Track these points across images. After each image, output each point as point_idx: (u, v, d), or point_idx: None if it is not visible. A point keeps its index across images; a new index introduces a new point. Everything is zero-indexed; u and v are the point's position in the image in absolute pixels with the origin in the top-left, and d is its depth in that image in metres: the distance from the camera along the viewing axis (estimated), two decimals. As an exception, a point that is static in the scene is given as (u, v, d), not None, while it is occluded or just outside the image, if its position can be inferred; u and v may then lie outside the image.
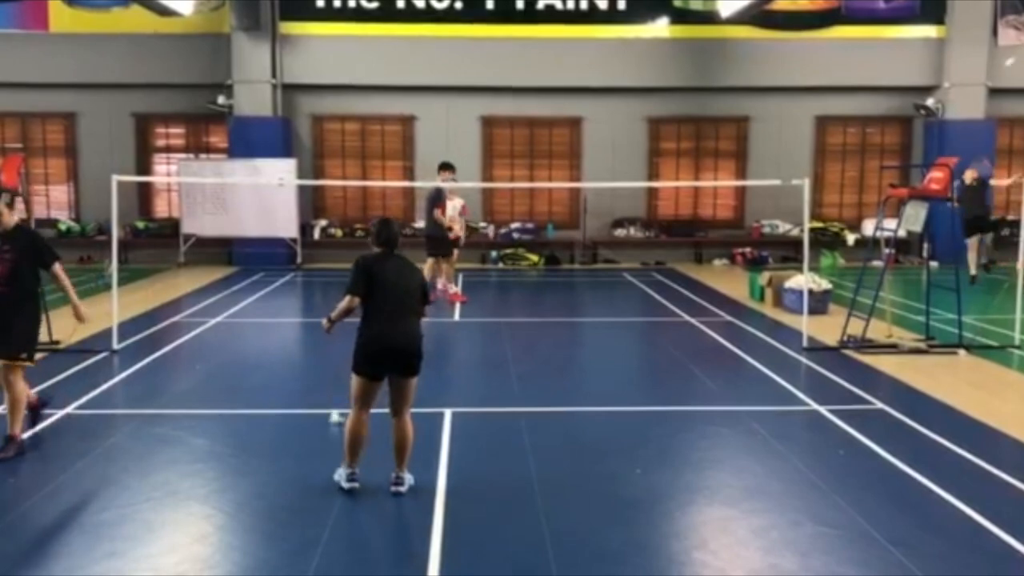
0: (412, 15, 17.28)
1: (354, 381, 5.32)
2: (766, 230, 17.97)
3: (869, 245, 11.37)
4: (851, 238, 17.67)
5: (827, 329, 10.12)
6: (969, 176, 14.35)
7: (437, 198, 12.49)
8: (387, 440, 5.36)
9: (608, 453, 6.16)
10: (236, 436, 6.57)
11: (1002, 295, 12.23)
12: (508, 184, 18.06)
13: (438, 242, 12.60)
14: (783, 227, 17.89)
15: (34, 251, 6.10)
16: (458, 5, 17.33)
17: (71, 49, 17.08)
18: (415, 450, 5.42)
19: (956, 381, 8.17)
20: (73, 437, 6.43)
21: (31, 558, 4.51)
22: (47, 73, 17.16)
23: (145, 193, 17.99)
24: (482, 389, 8.22)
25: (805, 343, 9.54)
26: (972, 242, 14.42)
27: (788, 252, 17.74)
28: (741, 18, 16.66)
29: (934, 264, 12.77)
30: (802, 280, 10.88)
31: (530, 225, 17.71)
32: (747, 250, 17.87)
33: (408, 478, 5.33)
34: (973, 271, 14.40)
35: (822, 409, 7.23)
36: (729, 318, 11.58)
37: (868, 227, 16.30)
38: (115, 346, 9.23)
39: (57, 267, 6.18)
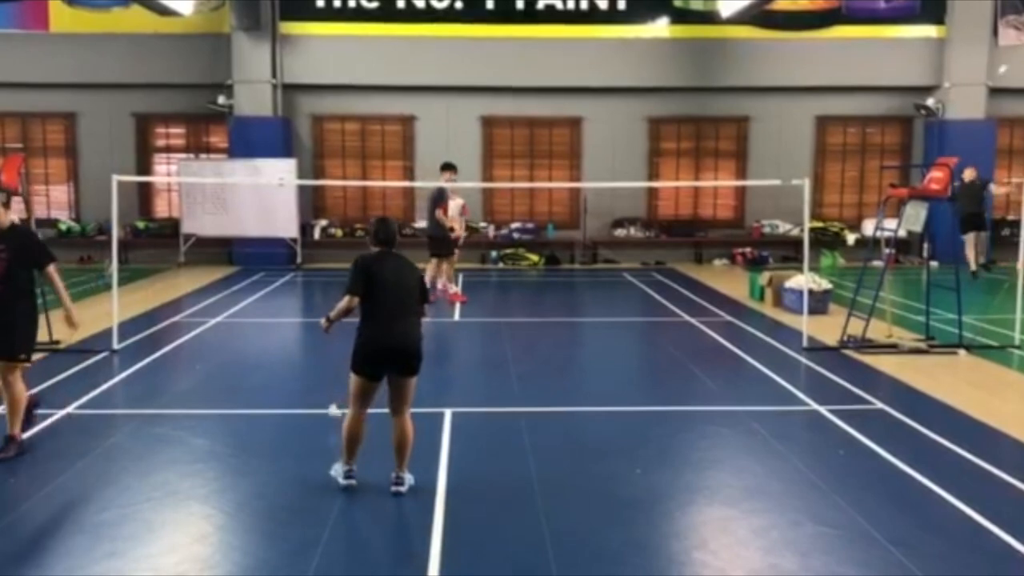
0: (412, 15, 17.28)
1: (353, 380, 5.32)
2: (766, 230, 17.97)
3: (869, 245, 11.37)
4: (851, 238, 17.67)
5: (827, 329, 10.12)
6: (968, 175, 14.37)
7: (439, 198, 12.49)
8: (387, 440, 5.37)
9: (608, 453, 6.16)
10: (236, 436, 6.57)
11: (1002, 295, 12.23)
12: (508, 184, 18.06)
13: (440, 242, 12.61)
14: (783, 227, 17.89)
15: (29, 251, 6.06)
16: (458, 5, 17.34)
17: (71, 49, 17.08)
18: (415, 450, 5.42)
19: (956, 381, 8.17)
20: (73, 437, 6.43)
21: (31, 558, 4.51)
22: (47, 73, 17.17)
23: (145, 193, 17.99)
24: (482, 389, 8.22)
25: (805, 343, 9.54)
26: (969, 238, 14.44)
27: (788, 252, 17.74)
28: (741, 18, 16.66)
29: (934, 264, 12.77)
30: (802, 280, 10.87)
31: (530, 225, 17.71)
32: (747, 250, 17.87)
33: (408, 478, 5.33)
34: (973, 267, 14.41)
35: (822, 409, 7.23)
36: (729, 318, 11.58)
37: (868, 227, 16.30)
38: (115, 346, 9.23)
39: (51, 269, 6.14)
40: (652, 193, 18.31)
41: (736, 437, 6.59)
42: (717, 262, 17.92)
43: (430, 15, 17.30)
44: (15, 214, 6.39)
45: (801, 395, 7.74)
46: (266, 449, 6.24)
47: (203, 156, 17.97)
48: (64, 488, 5.41)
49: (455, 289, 13.09)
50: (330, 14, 17.24)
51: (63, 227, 17.31)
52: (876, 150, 18.36)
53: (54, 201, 17.93)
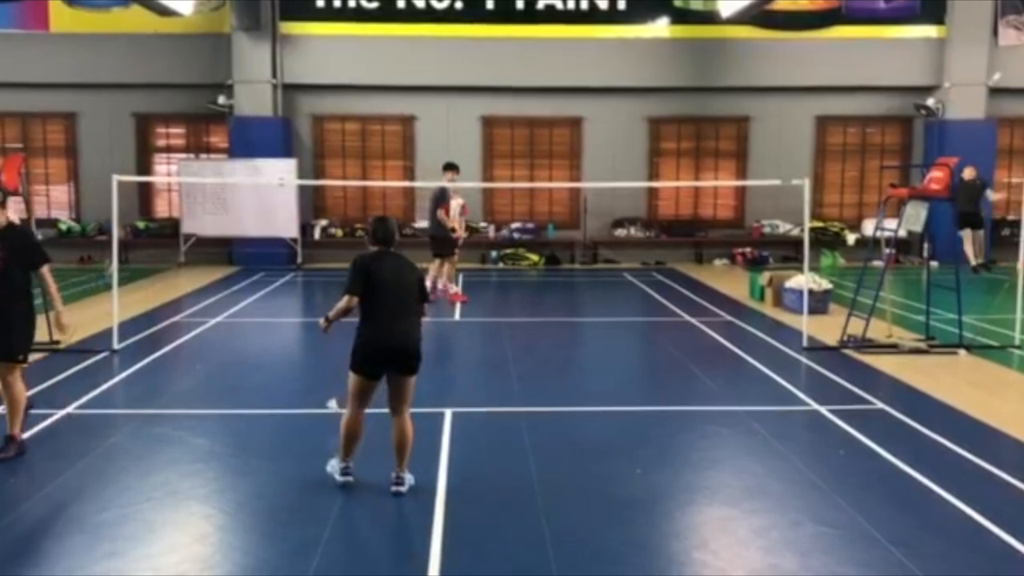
0: (412, 15, 17.28)
1: (351, 379, 5.32)
2: (766, 230, 17.97)
3: (869, 245, 11.37)
4: (851, 238, 17.67)
5: (827, 329, 10.12)
6: (968, 174, 14.37)
7: (441, 198, 12.51)
8: (387, 440, 5.36)
9: (608, 453, 6.15)
10: (236, 436, 6.57)
11: (1002, 295, 12.23)
12: (508, 184, 18.07)
13: (442, 242, 12.62)
14: (783, 227, 17.89)
15: (25, 251, 6.01)
16: (458, 5, 17.33)
17: (71, 49, 17.08)
18: (415, 450, 5.42)
19: (956, 381, 8.17)
20: (73, 437, 6.43)
21: (31, 558, 4.51)
22: (47, 73, 17.17)
23: (145, 193, 17.99)
24: (482, 389, 8.21)
25: (805, 343, 9.54)
26: (966, 234, 14.44)
27: (788, 252, 17.74)
28: (741, 18, 16.66)
29: (934, 264, 12.77)
30: (802, 280, 10.87)
31: (530, 225, 17.71)
32: (747, 250, 17.87)
33: (408, 478, 5.33)
34: (972, 262, 14.38)
35: (822, 409, 7.22)
36: (729, 318, 11.58)
37: (868, 227, 16.29)
38: (115, 346, 9.23)
39: (44, 270, 6.08)
40: (652, 193, 18.31)
41: (736, 437, 6.59)
42: (717, 262, 17.92)
43: (430, 15, 17.30)
44: (14, 214, 6.37)
45: (801, 395, 7.74)
46: (266, 449, 6.24)
47: (203, 156, 17.98)
48: (64, 488, 5.41)
49: (455, 289, 13.09)
50: (330, 14, 17.25)
51: (63, 227, 17.31)
52: (876, 150, 18.36)
53: (54, 201, 17.93)
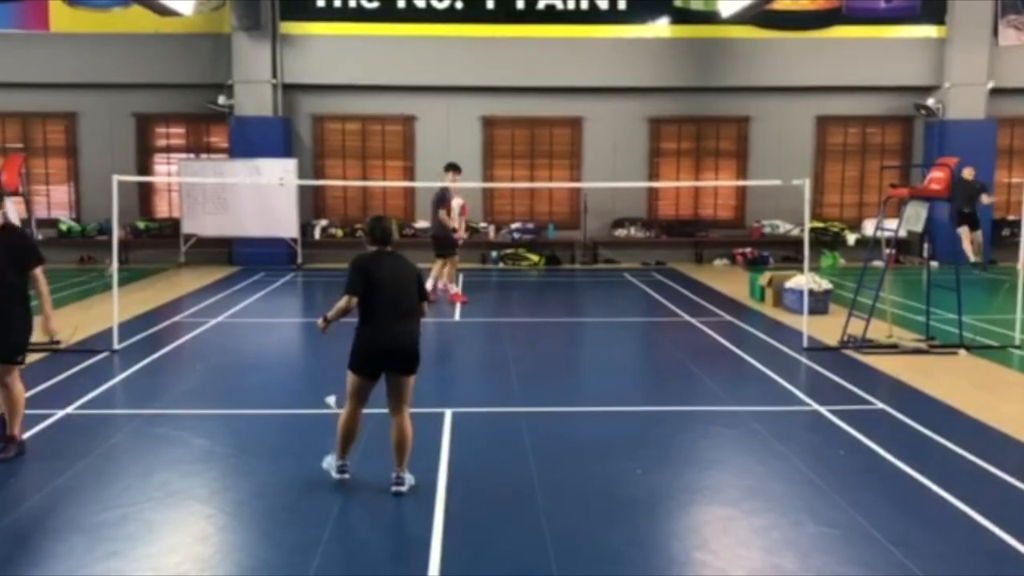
0: (412, 15, 17.27)
1: (350, 378, 5.33)
2: (767, 230, 17.97)
3: (870, 245, 11.37)
4: (852, 238, 17.66)
5: (827, 329, 10.12)
6: (967, 174, 14.38)
7: (443, 198, 12.53)
8: (387, 440, 5.36)
9: (608, 453, 6.16)
10: (237, 436, 6.57)
11: (1002, 295, 12.23)
12: (509, 184, 18.06)
13: (444, 242, 12.64)
14: (784, 227, 17.88)
15: (20, 251, 5.97)
16: (458, 5, 17.33)
17: (71, 49, 17.07)
18: (415, 450, 5.42)
19: (956, 381, 8.16)
20: (73, 437, 6.42)
21: (31, 558, 4.51)
22: (48, 73, 17.17)
23: (146, 193, 17.99)
24: (483, 389, 8.22)
25: (805, 343, 9.54)
26: (963, 231, 14.43)
27: (789, 252, 17.73)
28: (742, 18, 16.65)
29: (934, 264, 12.77)
30: (802, 280, 10.88)
31: (531, 225, 17.71)
32: (748, 250, 17.86)
33: (409, 478, 5.33)
34: (972, 258, 14.37)
35: (823, 409, 7.22)
36: (729, 318, 11.58)
37: (869, 227, 16.29)
38: (115, 346, 9.23)
39: (38, 271, 6.04)
40: (652, 193, 18.30)
41: (736, 437, 6.59)
42: (717, 262, 17.92)
43: (430, 15, 17.29)
44: (13, 214, 6.36)
45: (801, 395, 7.74)
46: (266, 449, 6.24)
47: (203, 156, 17.97)
48: (64, 488, 5.41)
49: (456, 289, 13.09)
50: (330, 14, 17.24)
51: (63, 227, 17.31)
52: (876, 150, 18.35)
53: (54, 201, 17.92)
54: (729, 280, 15.05)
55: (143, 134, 17.86)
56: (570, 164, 18.15)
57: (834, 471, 5.76)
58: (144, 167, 17.72)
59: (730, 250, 18.03)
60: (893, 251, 10.77)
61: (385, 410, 5.40)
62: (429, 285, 12.43)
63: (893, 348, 9.41)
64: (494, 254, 17.63)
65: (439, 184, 12.84)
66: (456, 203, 12.88)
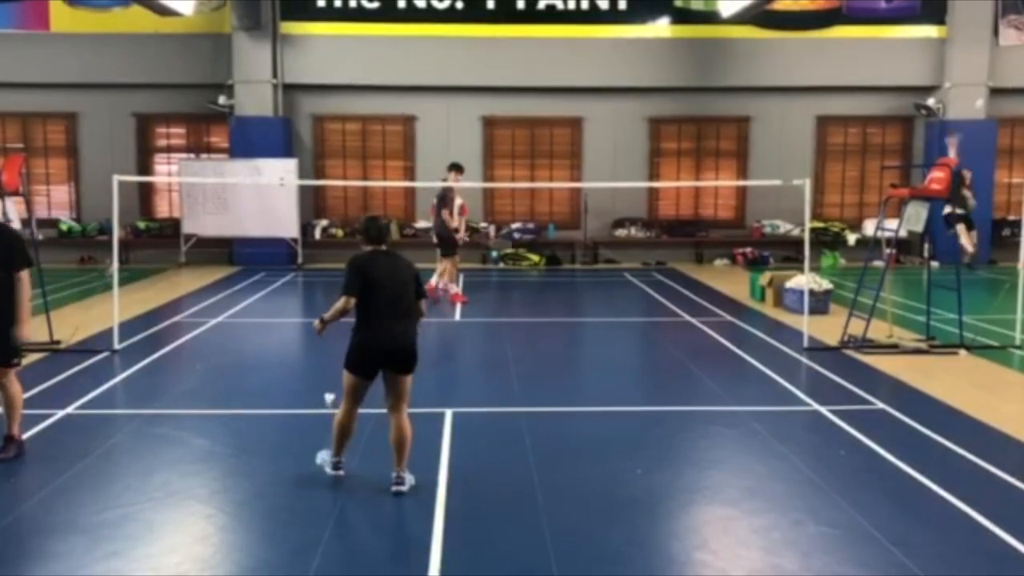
0: (412, 15, 17.27)
1: (346, 377, 5.33)
2: (767, 230, 17.97)
3: (870, 245, 11.37)
4: (852, 238, 17.66)
5: (828, 329, 10.12)
6: (964, 174, 14.36)
7: (446, 198, 12.56)
8: (387, 439, 5.36)
9: (608, 453, 6.15)
10: (237, 436, 6.57)
11: (1002, 295, 12.23)
12: (509, 184, 18.07)
13: (447, 242, 12.66)
14: (784, 227, 17.88)
15: (9, 251, 5.87)
16: (458, 5, 17.33)
17: (72, 49, 17.08)
18: (416, 450, 5.42)
19: (957, 381, 8.16)
20: (73, 437, 6.43)
21: (31, 558, 4.51)
22: (48, 73, 17.17)
23: (146, 193, 17.99)
24: (483, 389, 8.22)
25: (806, 343, 9.54)
26: (961, 228, 14.42)
27: (789, 252, 17.72)
28: (742, 18, 16.65)
29: (935, 264, 12.77)
30: (803, 280, 10.87)
31: (531, 225, 17.71)
32: (748, 250, 17.86)
33: (409, 478, 5.32)
34: (971, 249, 14.34)
35: (823, 409, 7.22)
36: (730, 318, 11.58)
37: (869, 227, 16.29)
38: (116, 346, 9.23)
39: (24, 274, 5.92)
40: (653, 193, 18.30)
41: (737, 437, 6.59)
42: (718, 262, 17.92)
43: (430, 15, 17.29)
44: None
45: (802, 395, 7.74)
46: (267, 449, 6.24)
47: (204, 156, 17.98)
48: (64, 488, 5.41)
49: (456, 289, 13.09)
50: (330, 14, 17.24)
51: (64, 227, 17.31)
52: (877, 150, 18.35)
53: (55, 201, 17.92)
54: (729, 280, 15.05)
55: (143, 134, 17.86)
56: (570, 164, 18.15)
57: (834, 471, 5.76)
58: (144, 167, 17.73)
59: (730, 250, 18.03)
60: (893, 251, 10.77)
61: (385, 410, 5.40)
62: (433, 283, 12.45)
63: (893, 348, 9.41)
64: (494, 254, 17.62)
65: (440, 184, 12.86)
66: (456, 203, 12.90)
